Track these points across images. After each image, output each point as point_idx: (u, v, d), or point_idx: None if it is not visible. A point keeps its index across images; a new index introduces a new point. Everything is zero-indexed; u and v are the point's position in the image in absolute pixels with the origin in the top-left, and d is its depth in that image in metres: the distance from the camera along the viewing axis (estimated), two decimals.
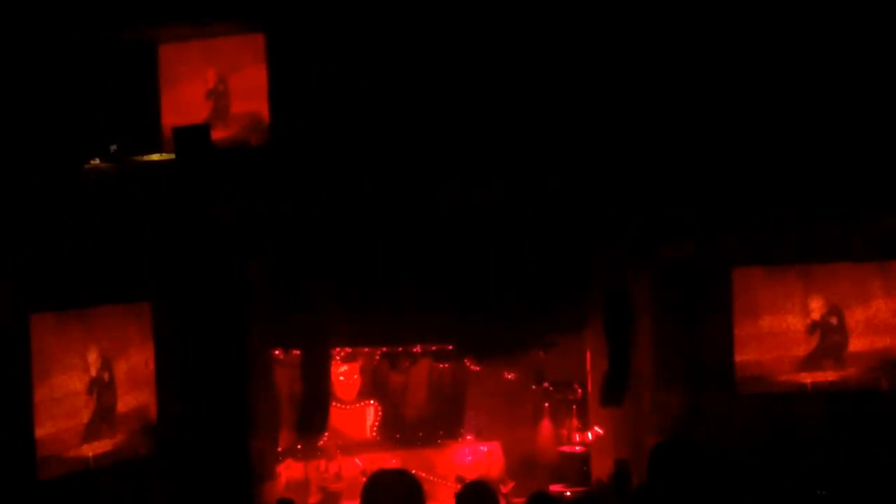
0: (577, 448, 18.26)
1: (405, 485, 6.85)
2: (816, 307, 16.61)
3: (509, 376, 19.02)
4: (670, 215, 15.78)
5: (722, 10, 15.51)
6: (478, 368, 18.88)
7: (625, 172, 15.64)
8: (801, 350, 16.62)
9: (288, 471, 17.92)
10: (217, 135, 15.98)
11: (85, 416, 14.42)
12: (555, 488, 17.30)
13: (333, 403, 17.90)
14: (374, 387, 19.56)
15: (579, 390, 18.50)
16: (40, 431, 13.65)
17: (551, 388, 18.84)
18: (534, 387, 18.87)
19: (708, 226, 15.87)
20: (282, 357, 18.03)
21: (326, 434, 17.96)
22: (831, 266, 16.56)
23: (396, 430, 19.49)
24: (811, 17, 15.39)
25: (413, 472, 17.90)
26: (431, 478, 17.95)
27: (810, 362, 16.61)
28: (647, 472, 6.15)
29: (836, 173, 15.33)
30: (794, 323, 16.63)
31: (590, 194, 15.73)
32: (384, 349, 18.75)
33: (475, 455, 18.80)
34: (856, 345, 16.56)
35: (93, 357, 14.56)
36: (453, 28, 15.73)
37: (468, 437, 19.17)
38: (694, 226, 15.90)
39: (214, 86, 16.92)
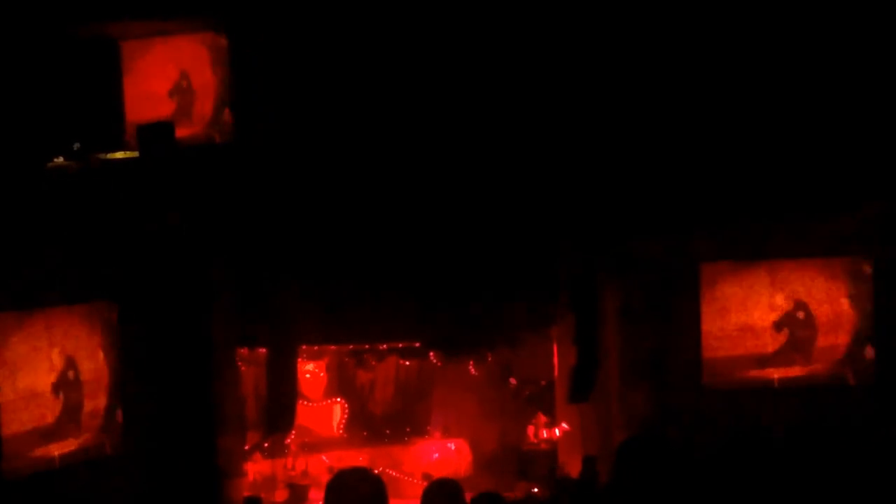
0: (544, 445, 18.27)
1: (368, 483, 6.79)
2: (783, 303, 16.63)
3: (476, 373, 19.04)
4: (638, 213, 15.80)
5: (693, 14, 15.58)
6: (444, 365, 18.88)
7: (592, 170, 15.66)
8: (770, 346, 16.64)
9: (255, 468, 17.88)
10: (181, 132, 15.92)
11: (50, 416, 14.31)
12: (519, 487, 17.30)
13: (300, 401, 17.88)
14: (340, 384, 19.58)
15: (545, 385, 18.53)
16: (6, 431, 13.55)
17: (518, 385, 18.86)
18: (502, 383, 18.91)
19: (675, 222, 15.88)
20: (248, 355, 17.97)
21: (294, 432, 17.93)
22: (799, 262, 16.59)
23: (364, 427, 19.50)
24: (783, 27, 15.50)
25: (378, 469, 18.03)
26: (399, 475, 17.94)
27: (779, 358, 16.63)
28: (614, 469, 6.14)
29: (801, 171, 15.43)
30: (762, 319, 16.65)
31: (557, 192, 15.74)
32: (351, 347, 18.73)
33: (442, 452, 18.80)
34: (823, 340, 16.59)
35: (58, 356, 14.44)
36: (412, 27, 15.71)
37: (435, 434, 19.18)
38: (661, 222, 15.91)
39: (177, 83, 16.85)
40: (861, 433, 15.94)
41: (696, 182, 15.58)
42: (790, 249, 16.48)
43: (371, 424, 19.53)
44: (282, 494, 17.68)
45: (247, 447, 17.76)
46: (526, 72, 15.68)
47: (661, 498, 5.92)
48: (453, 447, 18.86)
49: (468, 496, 7.74)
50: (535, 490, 16.98)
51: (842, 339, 16.54)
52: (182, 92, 16.85)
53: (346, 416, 19.38)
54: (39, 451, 14.16)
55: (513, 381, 18.92)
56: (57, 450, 14.41)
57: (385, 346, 18.50)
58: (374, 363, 19.10)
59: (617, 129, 15.62)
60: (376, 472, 17.88)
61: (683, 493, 6.04)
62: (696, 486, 6.56)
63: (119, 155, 16.15)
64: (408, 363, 19.15)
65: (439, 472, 18.16)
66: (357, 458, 18.21)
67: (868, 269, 16.40)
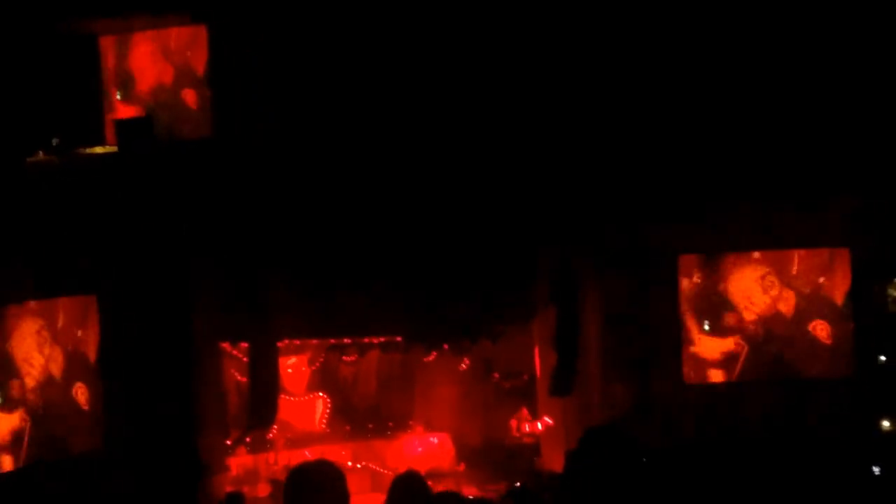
0: (527, 439, 18.28)
1: (326, 474, 6.76)
2: (762, 295, 16.65)
3: (458, 367, 19.04)
4: (616, 205, 15.83)
5: (679, 4, 15.62)
6: (426, 359, 18.87)
7: (570, 164, 15.68)
8: (750, 338, 16.66)
9: (238, 462, 17.86)
10: (159, 126, 15.89)
11: (31, 410, 14.27)
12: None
13: (282, 396, 17.85)
14: (323, 379, 19.55)
15: (527, 379, 18.54)
16: None
17: (500, 379, 18.87)
18: (484, 377, 18.92)
19: (653, 214, 15.91)
20: (229, 349, 17.95)
21: (276, 426, 17.89)
22: (777, 253, 16.63)
23: (346, 421, 19.47)
24: (772, 24, 15.56)
25: (361, 464, 18.05)
26: (381, 469, 17.93)
27: (758, 351, 16.65)
28: (569, 460, 6.17)
29: (778, 164, 15.50)
30: (742, 310, 16.67)
31: (536, 187, 15.75)
32: (332, 341, 18.69)
33: (425, 446, 18.79)
34: (802, 333, 16.62)
35: (36, 351, 14.40)
36: (393, 22, 15.72)
37: (418, 429, 19.16)
38: (639, 215, 15.94)
39: (156, 78, 16.82)
40: (841, 425, 15.99)
41: (675, 174, 15.62)
42: (769, 241, 16.51)
43: (353, 419, 19.51)
44: (264, 489, 17.64)
45: (229, 442, 17.74)
46: (504, 65, 15.68)
47: (615, 489, 5.94)
48: (436, 441, 18.85)
49: (449, 491, 7.75)
50: (518, 484, 16.98)
51: (821, 332, 16.57)
52: (161, 86, 16.82)
53: (328, 410, 19.36)
54: (21, 446, 14.12)
55: (495, 375, 18.93)
56: (37, 445, 14.37)
57: (367, 340, 18.46)
58: (355, 357, 19.07)
59: (594, 124, 15.64)
60: (359, 465, 18.09)
61: (641, 486, 6.05)
62: (657, 479, 6.57)
63: (98, 150, 16.12)
64: (390, 357, 19.13)
65: (422, 467, 18.16)
66: (340, 452, 18.22)
67: (846, 260, 16.44)
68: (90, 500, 14.64)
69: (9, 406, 14.03)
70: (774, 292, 16.56)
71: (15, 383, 14.16)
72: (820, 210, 16.06)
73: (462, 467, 18.23)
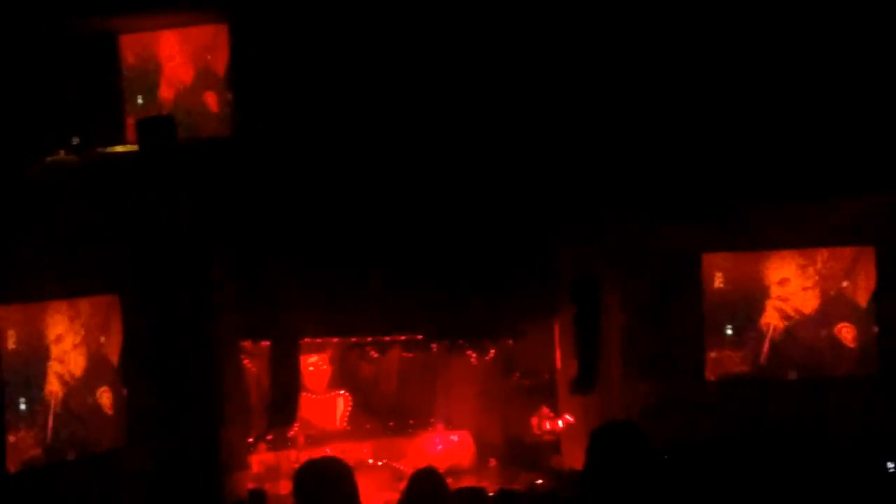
0: (548, 436, 18.26)
1: (335, 470, 6.74)
2: (786, 293, 16.59)
3: (479, 365, 19.03)
4: (639, 203, 15.79)
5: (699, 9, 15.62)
6: (447, 357, 18.88)
7: (592, 162, 15.66)
8: (772, 337, 16.59)
9: (259, 458, 17.89)
10: (180, 126, 15.92)
11: (55, 387, 14.32)
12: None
13: (304, 394, 17.88)
14: (343, 377, 19.56)
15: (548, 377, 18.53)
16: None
17: (521, 376, 18.86)
18: (504, 375, 18.91)
19: (676, 212, 15.86)
20: (251, 348, 17.98)
21: (297, 424, 17.92)
22: (801, 252, 16.54)
23: (367, 419, 19.48)
24: (793, 24, 15.53)
25: (381, 462, 18.06)
26: (402, 467, 17.93)
27: (781, 349, 16.58)
28: (586, 457, 6.16)
29: (802, 160, 15.43)
30: (764, 309, 16.63)
31: (557, 184, 15.73)
32: (353, 339, 18.72)
33: (445, 444, 18.79)
34: (827, 331, 16.54)
35: (59, 350, 14.45)
36: (412, 22, 15.72)
37: (438, 426, 19.16)
38: (662, 212, 15.90)
39: (177, 76, 16.85)
40: (865, 424, 15.91)
41: (698, 172, 15.57)
42: (792, 239, 16.45)
43: (374, 417, 19.53)
44: (286, 486, 17.67)
45: (250, 440, 17.77)
46: (525, 61, 15.67)
47: (632, 486, 5.93)
48: (456, 439, 18.85)
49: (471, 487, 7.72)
50: (539, 482, 16.98)
51: (846, 330, 16.50)
52: (182, 85, 16.85)
53: (349, 408, 19.37)
54: (44, 444, 14.17)
55: (516, 373, 18.92)
56: (61, 442, 14.42)
57: (388, 338, 18.49)
58: (376, 356, 19.09)
59: (617, 119, 15.61)
60: (380, 463, 18.10)
61: (660, 483, 6.04)
62: (676, 476, 6.55)
63: (119, 149, 16.16)
64: (410, 355, 19.14)
65: (443, 464, 18.17)
66: (360, 450, 18.26)
67: (871, 260, 16.37)
68: (113, 499, 14.68)
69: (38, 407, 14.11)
70: (809, 283, 16.48)
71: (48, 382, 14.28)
72: (845, 208, 15.99)
73: (493, 463, 18.17)
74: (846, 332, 16.49)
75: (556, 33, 15.64)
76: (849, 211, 16.07)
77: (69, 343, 14.61)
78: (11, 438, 13.60)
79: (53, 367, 14.37)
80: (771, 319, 16.59)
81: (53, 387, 14.34)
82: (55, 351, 14.40)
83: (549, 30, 15.65)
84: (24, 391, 13.88)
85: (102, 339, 15.12)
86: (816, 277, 16.52)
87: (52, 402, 14.33)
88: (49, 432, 14.23)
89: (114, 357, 15.28)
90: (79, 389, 14.72)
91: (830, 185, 15.50)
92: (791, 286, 16.56)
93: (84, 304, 14.92)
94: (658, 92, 15.60)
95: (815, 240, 16.45)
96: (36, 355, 14.12)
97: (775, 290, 16.60)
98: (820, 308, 16.52)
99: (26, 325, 14.00)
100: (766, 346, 16.56)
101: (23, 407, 13.84)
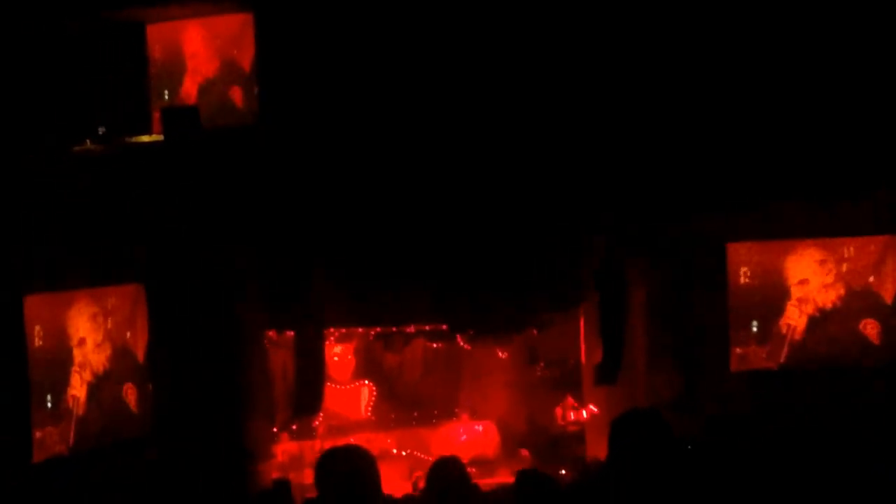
0: (572, 427, 18.25)
1: (356, 459, 6.74)
2: (812, 283, 16.50)
3: (503, 355, 19.03)
4: (662, 193, 15.75)
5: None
6: (471, 348, 18.89)
7: (617, 151, 15.62)
8: (798, 329, 16.52)
9: (283, 447, 17.93)
10: (205, 115, 15.95)
11: (77, 391, 14.37)
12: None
13: (328, 384, 17.90)
14: (368, 367, 19.60)
15: (572, 368, 18.50)
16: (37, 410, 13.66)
17: (545, 367, 18.86)
18: (529, 365, 18.91)
19: (701, 202, 15.81)
20: (276, 338, 18.02)
21: (321, 414, 17.96)
22: (827, 241, 16.43)
23: (391, 409, 19.52)
24: (820, 17, 15.47)
25: (406, 452, 18.07)
26: (426, 457, 17.94)
27: (807, 341, 16.50)
28: (609, 445, 6.16)
29: (830, 148, 15.38)
30: (790, 300, 16.55)
31: (582, 172, 15.70)
32: (378, 329, 18.73)
33: (470, 434, 18.82)
34: (852, 322, 16.45)
35: (85, 339, 14.50)
36: (439, 14, 15.70)
37: (463, 417, 19.18)
38: (687, 203, 15.84)
39: (203, 65, 16.87)
40: (889, 418, 15.84)
41: (723, 161, 15.52)
42: (818, 229, 16.36)
43: (399, 407, 19.56)
44: (310, 476, 17.69)
45: (275, 429, 17.82)
46: (552, 54, 15.64)
47: (655, 473, 5.93)
48: (481, 429, 18.87)
49: (498, 478, 7.72)
50: (563, 472, 16.97)
51: (871, 331, 16.41)
52: (207, 75, 16.87)
53: (373, 398, 19.41)
54: (67, 434, 14.23)
55: (541, 363, 18.92)
56: (86, 432, 14.48)
57: (412, 328, 18.51)
58: (401, 346, 19.12)
59: (644, 112, 15.57)
60: (404, 453, 18.12)
61: (683, 473, 6.04)
62: (700, 467, 6.55)
63: (145, 138, 16.20)
64: (435, 346, 19.15)
65: (467, 454, 18.19)
66: (385, 440, 18.31)
67: None
68: (138, 488, 14.74)
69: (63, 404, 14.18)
70: (830, 279, 16.40)
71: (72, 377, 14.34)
72: (875, 198, 15.90)
73: (526, 453, 18.14)
74: (871, 328, 16.41)
75: (595, 23, 15.61)
76: (880, 200, 15.98)
77: (94, 340, 14.66)
78: (38, 434, 13.68)
79: (78, 362, 14.43)
80: (794, 313, 16.51)
81: (78, 384, 14.40)
82: (80, 348, 14.45)
83: (589, 19, 15.62)
84: (50, 388, 13.94)
85: (128, 333, 15.18)
86: (841, 273, 16.42)
87: (78, 400, 14.40)
88: (73, 430, 14.30)
89: (139, 353, 15.34)
90: (104, 386, 14.77)
91: (859, 175, 15.44)
92: (814, 282, 16.47)
93: (110, 298, 14.97)
94: (685, 84, 15.55)
95: (842, 229, 16.34)
96: (61, 352, 14.18)
97: (798, 281, 16.52)
98: (844, 304, 16.43)
99: (52, 319, 14.05)
100: (789, 338, 16.49)
101: (49, 404, 13.91)
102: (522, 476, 8.27)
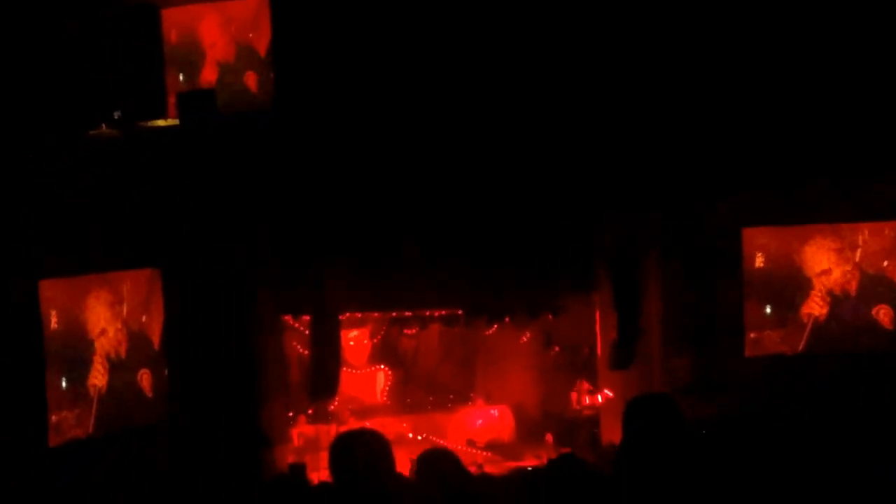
0: (587, 411, 18.25)
1: (370, 442, 6.73)
2: (829, 268, 16.45)
3: (519, 340, 19.03)
4: (678, 177, 15.73)
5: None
6: (487, 332, 18.89)
7: (632, 136, 15.60)
8: (816, 313, 16.48)
9: (299, 434, 17.97)
10: (222, 100, 15.96)
11: (99, 381, 14.42)
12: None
13: (344, 368, 17.92)
14: (384, 352, 19.62)
15: (588, 352, 18.50)
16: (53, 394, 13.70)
17: (560, 351, 18.86)
18: (544, 349, 18.91)
19: (716, 186, 15.79)
20: (292, 322, 18.05)
21: (337, 399, 17.99)
22: (844, 226, 16.37)
23: (407, 394, 19.56)
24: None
25: (421, 436, 18.10)
26: (442, 442, 17.97)
27: (825, 326, 16.46)
28: (623, 429, 6.16)
29: (847, 131, 15.34)
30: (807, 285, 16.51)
31: (597, 157, 15.68)
32: (394, 314, 18.76)
33: (485, 418, 18.85)
34: (871, 307, 16.40)
35: (102, 323, 14.54)
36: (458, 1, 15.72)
37: (478, 401, 19.20)
38: (702, 187, 15.82)
39: (219, 50, 16.86)
40: None
41: (739, 145, 15.49)
42: (835, 213, 16.31)
43: (414, 391, 19.60)
44: (325, 460, 17.73)
45: (291, 414, 17.86)
46: (564, 40, 15.63)
47: (667, 455, 5.93)
48: (496, 414, 18.89)
49: (512, 462, 7.67)
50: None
51: (884, 317, 16.36)
52: (223, 59, 16.87)
53: (389, 383, 19.44)
54: (84, 418, 14.29)
55: (556, 348, 18.92)
56: (102, 416, 14.53)
57: (428, 313, 18.52)
58: (416, 330, 19.14)
59: (659, 96, 15.55)
60: (419, 438, 18.15)
61: (697, 458, 6.04)
62: (714, 452, 6.54)
63: (160, 123, 16.20)
64: (451, 330, 19.16)
65: (482, 439, 18.25)
66: (400, 424, 18.33)
67: None
68: (154, 473, 14.78)
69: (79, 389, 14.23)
70: (849, 267, 16.35)
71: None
72: (890, 181, 15.85)
73: (550, 438, 18.12)
74: (884, 314, 16.36)
75: (612, 16, 15.60)
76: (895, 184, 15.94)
77: (114, 327, 14.70)
78: (53, 419, 13.74)
79: (100, 353, 14.47)
80: (817, 304, 16.46)
81: (100, 374, 14.45)
82: (101, 339, 14.49)
83: (608, 12, 15.62)
84: (67, 372, 13.99)
85: (144, 318, 15.20)
86: (856, 259, 16.38)
87: (99, 389, 14.44)
88: (94, 417, 14.36)
89: (154, 338, 15.36)
90: (120, 372, 14.80)
91: (875, 158, 15.39)
92: (835, 272, 16.40)
93: (126, 283, 14.99)
94: (699, 68, 15.52)
95: (858, 214, 16.29)
96: (77, 338, 14.21)
97: (821, 271, 16.46)
98: (859, 290, 16.38)
99: (68, 304, 14.08)
100: (810, 327, 16.45)
101: (64, 387, 13.96)
102: (558, 461, 8.11)
